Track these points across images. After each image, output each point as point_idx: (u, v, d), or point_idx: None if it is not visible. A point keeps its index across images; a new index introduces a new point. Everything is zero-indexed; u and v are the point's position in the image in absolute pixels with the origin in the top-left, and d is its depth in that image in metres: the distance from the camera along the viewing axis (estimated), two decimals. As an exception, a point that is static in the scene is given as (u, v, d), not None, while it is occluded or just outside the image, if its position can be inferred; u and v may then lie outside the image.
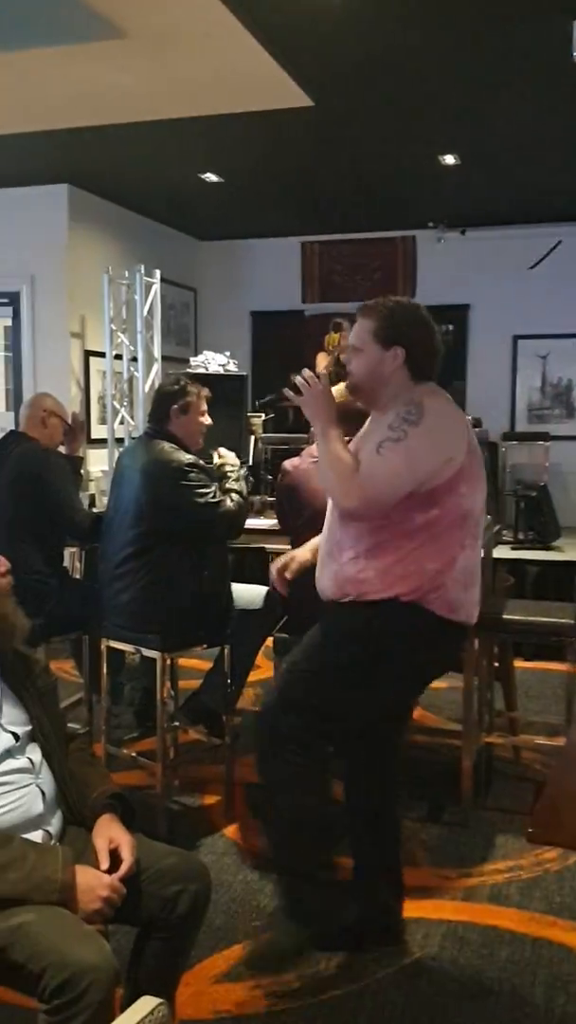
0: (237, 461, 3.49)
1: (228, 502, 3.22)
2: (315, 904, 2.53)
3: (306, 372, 2.41)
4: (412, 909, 2.72)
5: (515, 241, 7.80)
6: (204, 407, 3.35)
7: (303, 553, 2.79)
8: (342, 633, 2.40)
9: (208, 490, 3.18)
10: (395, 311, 2.37)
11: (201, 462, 3.24)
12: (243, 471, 3.51)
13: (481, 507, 2.39)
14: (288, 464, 3.21)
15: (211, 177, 6.25)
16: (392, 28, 3.96)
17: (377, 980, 2.40)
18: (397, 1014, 2.28)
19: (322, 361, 6.54)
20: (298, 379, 2.41)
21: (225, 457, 3.47)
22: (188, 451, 3.25)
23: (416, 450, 2.23)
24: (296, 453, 3.44)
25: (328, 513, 2.48)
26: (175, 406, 3.28)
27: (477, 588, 2.42)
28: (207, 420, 3.36)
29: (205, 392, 3.37)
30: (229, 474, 3.36)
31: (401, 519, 2.27)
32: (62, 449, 3.90)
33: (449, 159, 5.88)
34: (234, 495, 3.26)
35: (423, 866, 3.01)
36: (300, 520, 3.11)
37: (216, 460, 3.43)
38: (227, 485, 3.29)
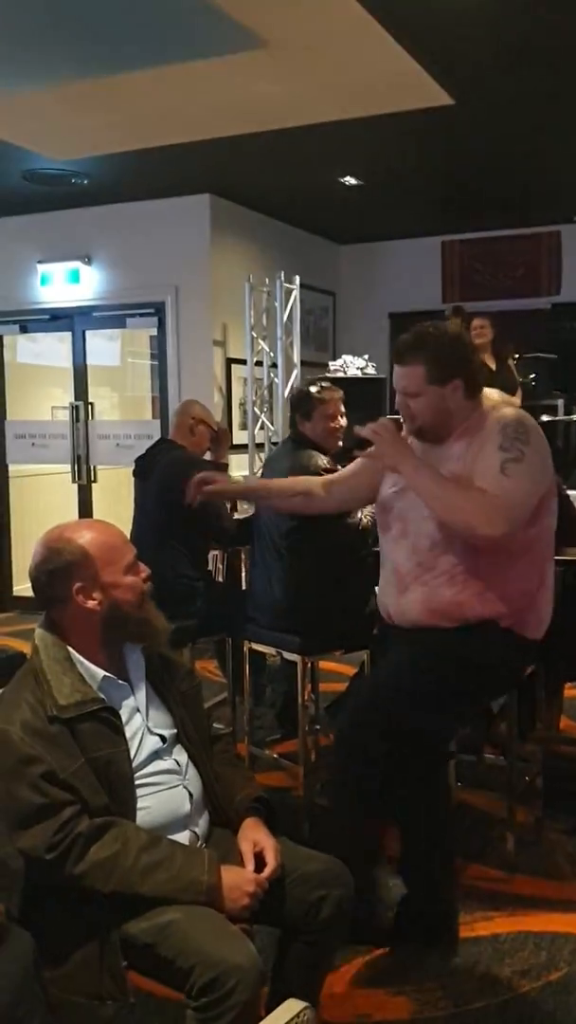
0: None
1: (359, 513, 3.24)
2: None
3: (370, 425, 2.40)
4: (560, 923, 2.66)
5: None
6: (332, 410, 3.39)
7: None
8: (436, 659, 2.37)
9: None
10: (439, 350, 2.36)
11: (339, 468, 3.27)
12: None
13: None
14: None
15: (350, 180, 6.26)
16: (530, 18, 3.86)
17: (522, 994, 2.35)
18: (544, 1031, 2.22)
19: None
20: (363, 431, 2.40)
21: None
22: (326, 453, 3.31)
23: (536, 466, 2.28)
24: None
25: (398, 537, 2.45)
26: (298, 413, 3.39)
27: None
28: (339, 422, 3.40)
29: (334, 395, 3.41)
30: None
31: None
32: (208, 456, 4.01)
33: (596, 150, 5.69)
34: (368, 513, 3.27)
35: (570, 880, 2.92)
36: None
37: None
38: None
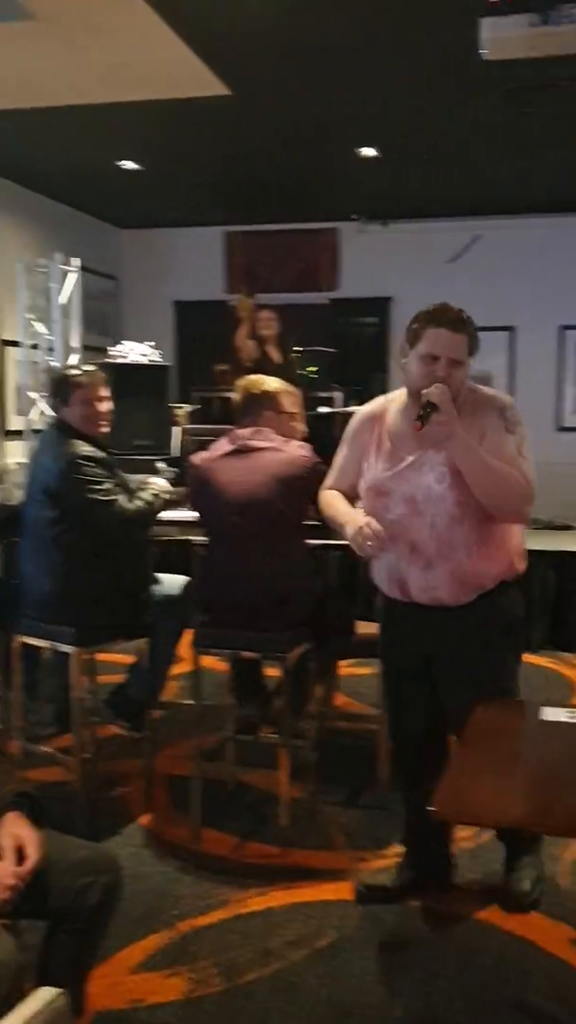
0: (161, 485, 3.44)
1: (123, 500, 3.19)
2: None
3: (437, 392, 2.36)
4: (331, 891, 2.77)
5: (436, 235, 7.91)
6: (92, 394, 3.26)
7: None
8: (491, 632, 2.55)
9: (101, 485, 3.14)
10: (473, 325, 2.48)
11: (100, 454, 3.20)
12: (164, 491, 3.43)
13: None
14: (196, 458, 3.21)
15: (129, 164, 6.18)
16: (308, 19, 3.97)
17: (293, 962, 2.43)
18: (312, 994, 2.31)
19: (242, 336, 6.45)
20: (435, 396, 2.35)
21: (151, 478, 3.45)
22: (94, 439, 3.23)
23: (529, 444, 2.49)
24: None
25: (411, 515, 2.47)
26: (57, 399, 3.29)
27: None
28: (101, 406, 3.28)
29: (94, 378, 3.29)
30: (148, 487, 3.36)
31: None
32: None
33: (368, 151, 5.92)
34: (139, 501, 3.25)
35: (341, 850, 3.05)
36: (212, 513, 3.12)
37: (138, 478, 3.39)
38: (139, 493, 3.28)
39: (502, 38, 3.25)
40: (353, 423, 2.69)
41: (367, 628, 3.60)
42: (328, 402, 7.25)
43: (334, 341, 7.65)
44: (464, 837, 3.04)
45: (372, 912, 2.67)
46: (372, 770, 3.47)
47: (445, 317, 2.43)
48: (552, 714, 2.18)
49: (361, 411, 2.69)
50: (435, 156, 6.03)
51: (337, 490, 2.72)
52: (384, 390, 8.60)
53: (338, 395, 7.40)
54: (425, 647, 2.60)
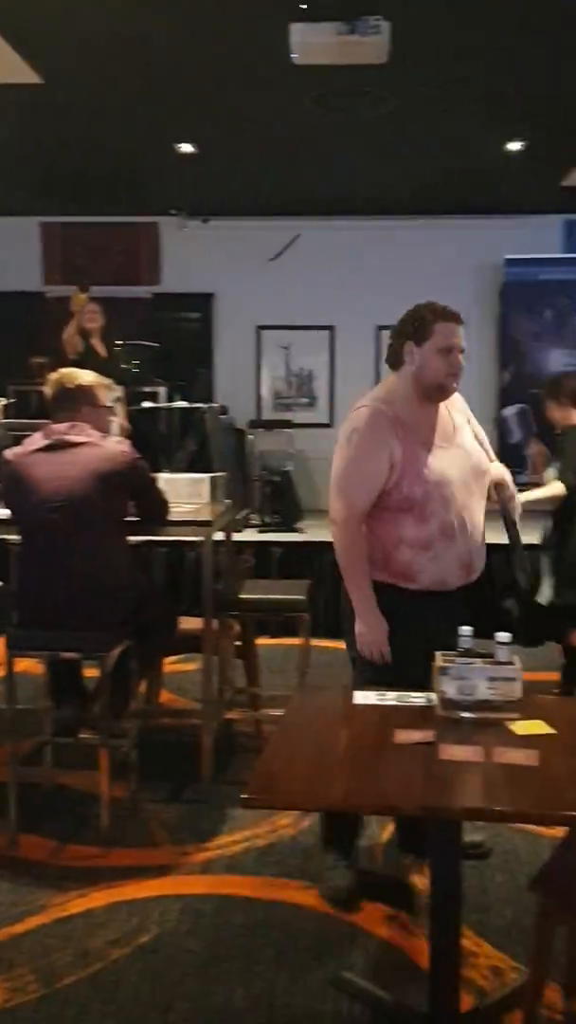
0: None
1: None
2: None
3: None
4: (152, 888, 2.76)
5: (257, 232, 8.00)
6: None
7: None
8: None
9: None
10: None
11: None
12: None
13: None
14: (8, 453, 3.12)
15: None
16: (125, 12, 3.92)
17: (113, 961, 2.41)
18: (132, 991, 2.30)
19: (71, 331, 6.30)
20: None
21: None
22: None
23: None
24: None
25: (474, 495, 2.61)
26: None
27: None
28: None
29: None
30: None
31: None
32: None
33: (186, 147, 5.92)
34: None
35: (163, 845, 3.05)
36: (27, 511, 3.04)
37: None
38: None
39: (311, 44, 3.34)
40: (372, 427, 2.51)
41: (190, 624, 3.62)
42: (151, 397, 7.22)
43: (156, 336, 7.60)
44: (283, 824, 3.11)
45: (192, 905, 2.68)
46: (195, 765, 3.49)
47: (448, 311, 2.57)
48: (363, 697, 2.27)
49: (374, 413, 2.52)
50: (253, 155, 6.10)
51: (363, 511, 2.54)
52: (209, 385, 8.77)
53: (161, 390, 7.38)
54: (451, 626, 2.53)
